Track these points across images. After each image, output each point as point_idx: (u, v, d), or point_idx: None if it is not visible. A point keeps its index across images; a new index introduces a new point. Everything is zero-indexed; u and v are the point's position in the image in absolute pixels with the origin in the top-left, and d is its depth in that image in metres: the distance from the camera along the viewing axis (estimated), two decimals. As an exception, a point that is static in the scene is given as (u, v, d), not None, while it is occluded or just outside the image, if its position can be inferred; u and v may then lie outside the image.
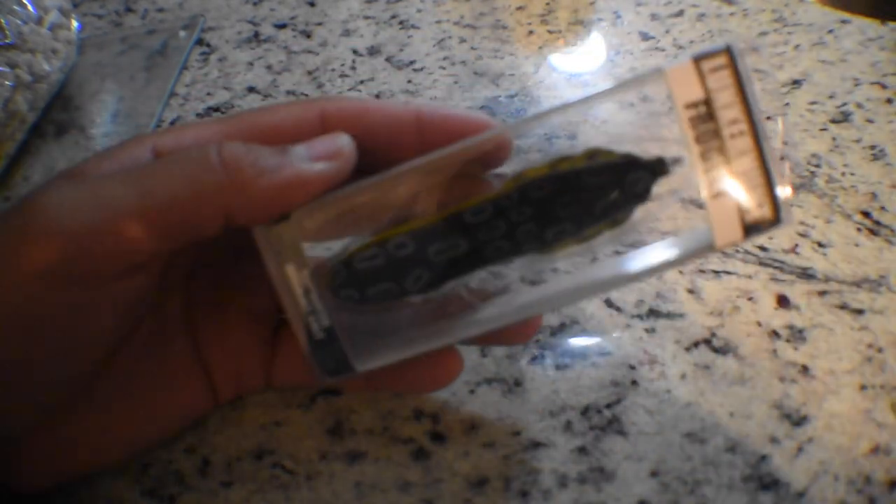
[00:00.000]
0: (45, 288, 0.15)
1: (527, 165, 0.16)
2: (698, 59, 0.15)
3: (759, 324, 0.22)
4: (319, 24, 0.33)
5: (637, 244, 0.17)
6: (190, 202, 0.15)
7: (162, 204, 0.15)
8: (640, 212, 0.16)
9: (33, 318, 0.15)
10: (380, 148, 0.18)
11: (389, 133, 0.17)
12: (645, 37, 0.31)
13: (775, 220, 0.15)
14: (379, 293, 0.16)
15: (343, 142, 0.17)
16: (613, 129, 0.17)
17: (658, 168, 0.16)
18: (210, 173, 0.15)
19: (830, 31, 0.30)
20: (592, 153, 0.16)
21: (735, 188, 0.15)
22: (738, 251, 0.24)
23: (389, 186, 0.16)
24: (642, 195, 0.16)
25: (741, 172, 0.15)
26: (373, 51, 0.31)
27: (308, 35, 0.32)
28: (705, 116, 0.15)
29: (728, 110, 0.15)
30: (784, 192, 0.15)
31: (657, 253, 0.16)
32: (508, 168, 0.17)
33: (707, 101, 0.15)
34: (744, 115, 0.15)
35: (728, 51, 0.15)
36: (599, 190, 0.16)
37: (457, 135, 0.17)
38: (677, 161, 0.16)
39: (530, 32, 0.31)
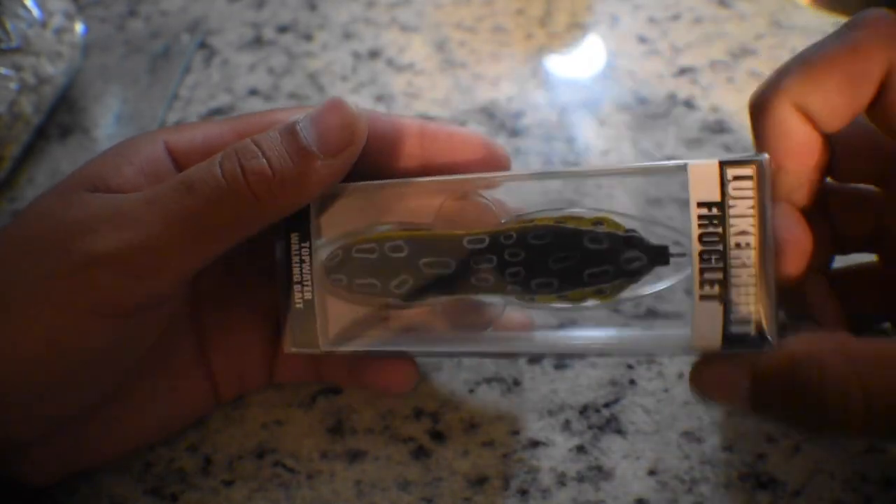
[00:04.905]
0: (96, 322, 0.16)
1: (535, 211, 0.16)
2: (725, 163, 0.14)
3: (755, 324, 0.22)
4: (320, 27, 0.33)
5: (611, 324, 0.17)
6: (231, 233, 0.16)
7: (208, 242, 0.16)
8: (628, 292, 0.16)
9: (83, 349, 0.16)
10: (384, 154, 0.18)
11: (395, 141, 0.18)
12: (642, 40, 0.31)
13: (759, 340, 0.15)
14: (364, 286, 0.17)
15: (352, 118, 0.16)
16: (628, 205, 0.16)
17: (658, 256, 0.15)
18: (245, 204, 0.16)
19: (826, 35, 0.30)
20: (601, 220, 0.16)
21: (726, 297, 0.15)
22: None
23: (404, 192, 0.17)
24: (633, 276, 0.16)
25: (737, 284, 0.15)
26: (373, 54, 0.32)
27: (309, 38, 0.33)
28: (715, 220, 0.14)
29: (740, 220, 0.14)
30: (775, 315, 0.15)
31: (633, 336, 0.17)
32: (513, 203, 0.17)
33: (721, 205, 0.14)
34: (755, 230, 0.14)
35: (758, 164, 0.14)
36: (594, 257, 0.16)
37: (457, 149, 0.18)
38: (682, 256, 0.15)
39: (529, 36, 0.32)
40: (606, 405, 0.21)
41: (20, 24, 0.27)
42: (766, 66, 0.29)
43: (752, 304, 0.15)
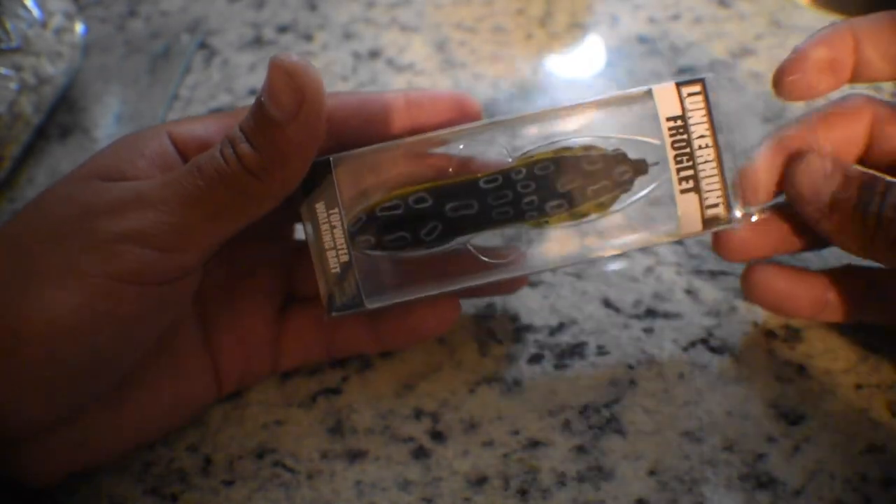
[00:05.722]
0: (126, 290, 0.16)
1: (535, 149, 0.19)
2: (679, 84, 0.18)
3: (755, 324, 0.22)
4: (320, 27, 0.33)
5: (615, 230, 0.19)
6: (244, 210, 0.17)
7: (224, 219, 0.17)
8: (622, 201, 0.19)
9: (114, 316, 0.16)
10: (379, 133, 0.19)
11: (385, 118, 0.19)
12: (642, 40, 0.31)
13: (728, 220, 0.19)
14: (394, 240, 0.19)
15: (291, 72, 0.16)
16: (606, 131, 0.19)
17: (640, 167, 0.19)
18: (247, 183, 0.17)
19: (826, 35, 0.30)
20: (589, 147, 0.19)
21: (699, 188, 0.18)
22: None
23: (412, 149, 0.19)
24: (626, 185, 0.19)
25: (705, 177, 0.18)
26: (373, 54, 0.32)
27: (309, 38, 0.33)
28: (681, 129, 0.18)
29: (698, 126, 0.18)
30: (736, 197, 0.19)
31: (630, 237, 0.19)
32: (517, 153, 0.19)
33: (682, 117, 0.18)
34: (710, 133, 0.18)
35: (702, 81, 0.18)
36: (593, 175, 0.19)
37: (442, 110, 0.19)
38: (656, 164, 0.19)
39: (529, 36, 0.32)
40: (606, 405, 0.21)
41: (20, 24, 0.27)
42: (766, 66, 0.29)
43: (718, 190, 0.18)
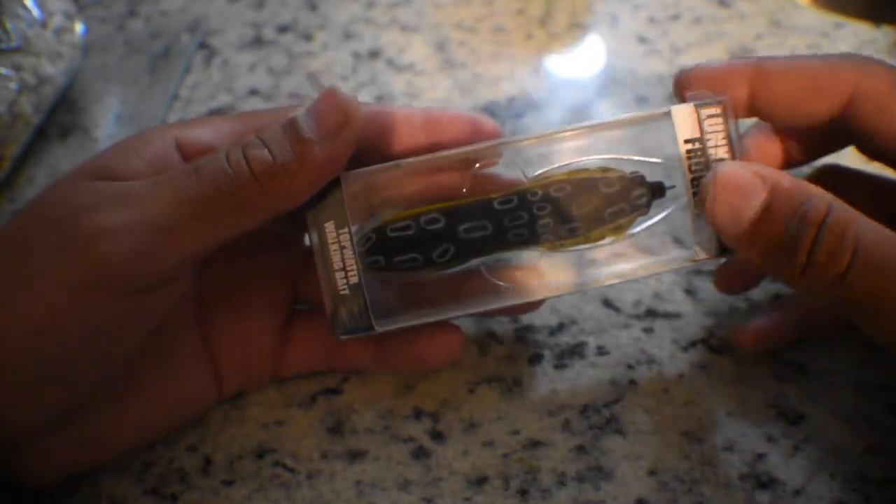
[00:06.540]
0: (97, 298, 0.16)
1: (551, 170, 0.19)
2: (698, 105, 0.18)
3: (755, 324, 0.22)
4: (320, 27, 0.33)
5: (632, 252, 0.19)
6: (236, 218, 0.17)
7: (214, 224, 0.16)
8: (639, 225, 0.19)
9: (83, 325, 0.16)
10: (393, 146, 0.19)
11: (402, 132, 0.19)
12: (642, 40, 0.31)
13: None
14: (405, 262, 0.18)
15: (345, 101, 0.17)
16: (623, 152, 0.19)
17: (657, 189, 0.18)
18: (249, 189, 0.16)
19: (825, 35, 0.30)
20: (606, 169, 0.19)
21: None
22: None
23: (424, 168, 0.19)
24: (643, 208, 0.18)
25: None
26: (373, 54, 0.32)
27: (309, 38, 0.33)
28: (699, 151, 0.18)
29: (717, 149, 0.18)
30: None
31: (645, 261, 0.19)
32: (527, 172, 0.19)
33: (701, 139, 0.18)
34: (728, 155, 0.18)
35: (722, 103, 0.18)
36: (609, 198, 0.18)
37: (460, 131, 0.19)
38: (673, 187, 0.18)
39: (529, 36, 0.32)
40: (607, 405, 0.21)
41: (20, 24, 0.27)
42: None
43: None
